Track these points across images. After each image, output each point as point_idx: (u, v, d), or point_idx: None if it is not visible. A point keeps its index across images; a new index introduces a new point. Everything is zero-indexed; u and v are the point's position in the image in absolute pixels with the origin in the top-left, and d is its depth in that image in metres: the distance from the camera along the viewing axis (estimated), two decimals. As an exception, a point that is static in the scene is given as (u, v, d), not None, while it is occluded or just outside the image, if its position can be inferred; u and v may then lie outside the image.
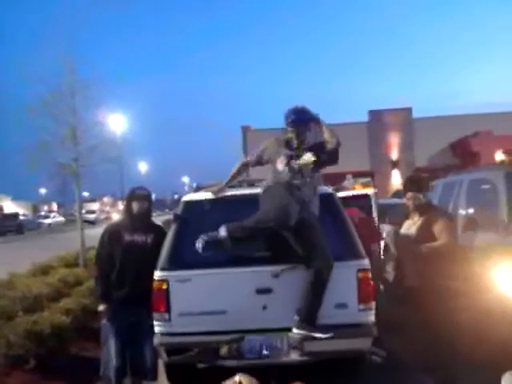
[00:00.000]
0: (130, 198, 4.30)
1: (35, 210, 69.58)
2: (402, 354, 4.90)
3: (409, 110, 29.33)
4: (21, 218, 44.59)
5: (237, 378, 3.05)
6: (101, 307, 4.14)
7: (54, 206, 78.73)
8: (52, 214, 58.91)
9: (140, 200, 4.23)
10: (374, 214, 7.62)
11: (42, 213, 61.78)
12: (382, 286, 5.99)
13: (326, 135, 4.07)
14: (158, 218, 5.88)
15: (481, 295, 4.70)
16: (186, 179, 74.88)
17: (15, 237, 36.14)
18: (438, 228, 4.54)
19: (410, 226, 4.89)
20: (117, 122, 19.14)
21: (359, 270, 3.88)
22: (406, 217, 5.03)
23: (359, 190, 8.38)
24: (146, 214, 4.31)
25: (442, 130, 26.36)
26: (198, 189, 4.78)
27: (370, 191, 8.32)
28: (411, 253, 4.77)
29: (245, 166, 4.40)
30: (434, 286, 4.43)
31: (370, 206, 7.71)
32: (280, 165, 4.00)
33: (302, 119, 4.08)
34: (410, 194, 4.82)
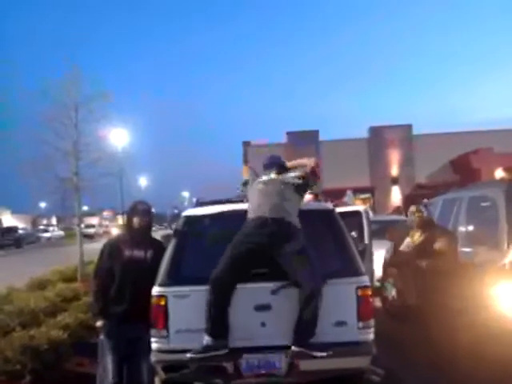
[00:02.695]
0: (131, 213, 4.28)
1: (34, 223, 69.49)
2: (400, 373, 4.85)
3: (409, 127, 29.49)
4: (20, 231, 44.58)
5: None
6: (98, 323, 4.10)
7: (54, 220, 78.63)
8: (51, 228, 58.82)
9: (141, 215, 4.21)
10: (366, 233, 7.22)
11: (41, 226, 61.66)
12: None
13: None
14: (158, 233, 5.87)
15: (480, 313, 4.67)
16: (186, 194, 74.78)
17: (14, 250, 36.08)
18: (440, 245, 4.54)
19: (410, 244, 4.89)
20: (118, 137, 19.22)
21: (359, 288, 3.84)
22: (407, 233, 5.03)
23: (348, 207, 7.98)
24: (147, 228, 4.29)
25: (442, 146, 26.50)
26: (198, 204, 4.78)
27: (361, 208, 8.01)
28: (412, 270, 4.76)
29: None
30: (434, 304, 4.42)
31: (361, 224, 7.32)
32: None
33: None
34: (413, 208, 4.83)
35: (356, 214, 7.32)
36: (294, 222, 3.91)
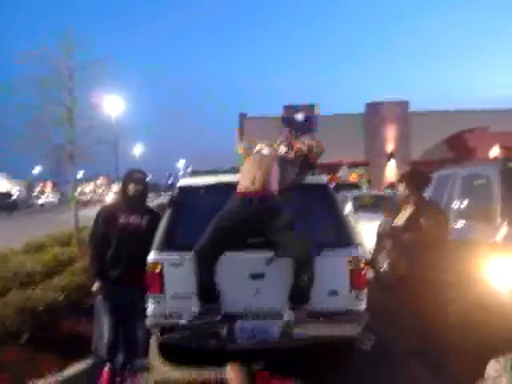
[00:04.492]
0: (126, 180, 4.31)
1: (30, 188, 69.32)
2: (390, 341, 4.97)
3: (406, 103, 29.37)
4: (13, 197, 44.61)
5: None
6: (95, 285, 4.17)
7: (49, 185, 78.38)
8: (46, 194, 58.79)
9: (136, 182, 4.24)
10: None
11: (35, 193, 61.60)
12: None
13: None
14: (152, 203, 5.90)
15: (471, 287, 4.77)
16: (181, 163, 74.54)
17: (8, 215, 36.12)
18: (426, 219, 4.62)
19: (402, 218, 4.98)
20: (113, 104, 19.06)
21: (352, 259, 3.93)
22: (399, 208, 5.11)
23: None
24: (142, 196, 4.33)
25: (439, 124, 26.49)
26: (193, 174, 4.82)
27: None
28: (402, 243, 4.87)
29: None
30: (421, 277, 4.51)
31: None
32: None
33: None
34: (400, 187, 4.95)
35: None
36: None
